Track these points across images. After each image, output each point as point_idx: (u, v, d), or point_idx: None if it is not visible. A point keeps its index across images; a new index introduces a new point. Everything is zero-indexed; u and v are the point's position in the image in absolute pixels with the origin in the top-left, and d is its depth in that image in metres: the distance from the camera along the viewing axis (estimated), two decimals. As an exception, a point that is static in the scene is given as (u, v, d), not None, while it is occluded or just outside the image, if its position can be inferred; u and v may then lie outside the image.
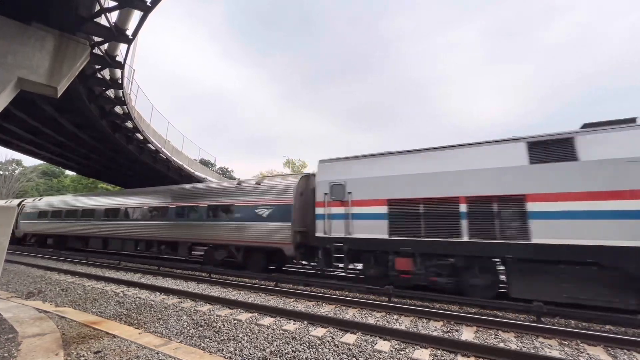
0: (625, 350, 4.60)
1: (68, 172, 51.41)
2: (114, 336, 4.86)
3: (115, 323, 5.63)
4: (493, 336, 5.13)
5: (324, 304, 7.11)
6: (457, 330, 5.41)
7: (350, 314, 6.41)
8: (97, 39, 8.67)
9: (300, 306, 6.92)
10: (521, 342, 4.89)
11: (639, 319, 5.44)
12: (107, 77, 11.22)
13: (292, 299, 7.54)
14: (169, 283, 9.50)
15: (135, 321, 5.81)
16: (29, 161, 55.88)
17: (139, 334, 5.02)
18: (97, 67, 10.36)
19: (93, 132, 15.39)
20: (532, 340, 4.96)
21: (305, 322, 5.68)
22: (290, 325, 5.51)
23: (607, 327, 5.68)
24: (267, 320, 5.79)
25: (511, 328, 5.36)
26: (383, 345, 4.68)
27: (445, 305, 7.06)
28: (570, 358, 4.37)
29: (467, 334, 5.21)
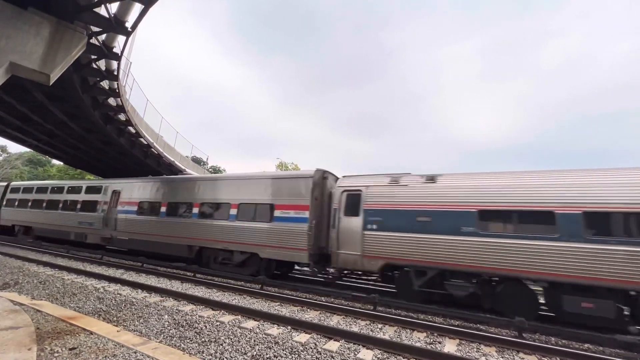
0: (602, 369, 4.68)
1: (55, 162, 50.20)
2: (91, 333, 4.71)
3: (94, 319, 5.47)
4: (475, 349, 5.16)
5: (309, 310, 7.05)
6: (440, 342, 5.43)
7: (334, 320, 6.37)
8: (95, 29, 8.57)
9: (285, 311, 6.85)
10: (502, 357, 4.93)
11: (616, 338, 5.55)
12: (103, 68, 11.06)
13: (277, 303, 7.46)
14: (152, 280, 9.30)
15: (115, 318, 5.66)
16: (14, 148, 54.42)
17: (118, 331, 4.88)
18: (93, 57, 10.21)
19: (84, 123, 15.09)
20: (513, 356, 5.00)
21: (289, 327, 5.61)
22: (274, 330, 5.44)
23: (586, 345, 5.77)
24: (251, 324, 5.71)
25: (493, 342, 5.40)
26: (366, 354, 4.65)
27: (429, 317, 7.08)
28: (549, 375, 4.42)
29: (449, 347, 5.23)
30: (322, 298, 8.29)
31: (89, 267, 10.87)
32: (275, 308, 7.03)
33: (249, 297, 7.89)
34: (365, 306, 7.59)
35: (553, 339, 6.04)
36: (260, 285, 9.07)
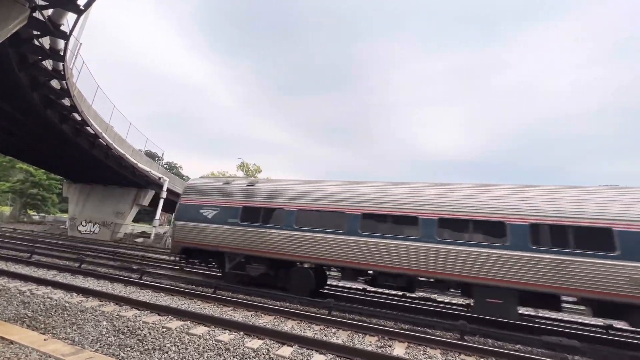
0: (529, 368, 5.18)
1: (-22, 146, 43.89)
2: (11, 342, 4.15)
3: (16, 327, 4.83)
4: (422, 352, 5.43)
5: (263, 315, 6.90)
6: (390, 346, 5.62)
7: (289, 325, 6.31)
8: (41, 2, 7.72)
9: (238, 316, 6.64)
10: (446, 359, 5.24)
11: (542, 339, 6.21)
12: (47, 46, 9.99)
13: (230, 308, 7.21)
14: (90, 283, 8.47)
15: (42, 325, 5.04)
16: None
17: (45, 340, 4.36)
18: (35, 32, 9.18)
19: (18, 103, 13.46)
20: (456, 357, 5.34)
21: (242, 333, 5.44)
22: (225, 336, 5.24)
23: (517, 346, 6.37)
24: (200, 330, 5.44)
25: (438, 345, 5.72)
26: (319, 359, 4.66)
27: (381, 321, 7.31)
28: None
29: (398, 350, 5.44)
30: (277, 302, 8.18)
31: (14, 267, 9.60)
32: (228, 313, 6.78)
33: (200, 302, 7.52)
34: (321, 311, 7.63)
35: (490, 340, 6.57)
36: (213, 289, 8.71)
